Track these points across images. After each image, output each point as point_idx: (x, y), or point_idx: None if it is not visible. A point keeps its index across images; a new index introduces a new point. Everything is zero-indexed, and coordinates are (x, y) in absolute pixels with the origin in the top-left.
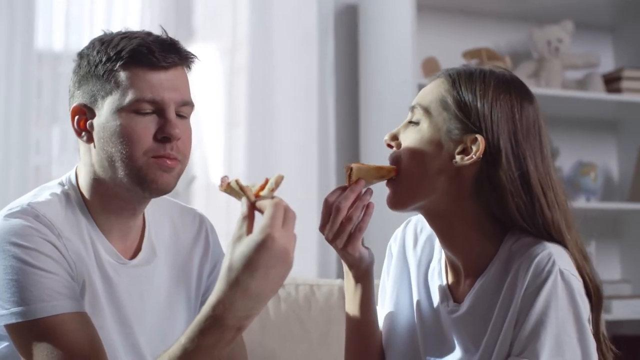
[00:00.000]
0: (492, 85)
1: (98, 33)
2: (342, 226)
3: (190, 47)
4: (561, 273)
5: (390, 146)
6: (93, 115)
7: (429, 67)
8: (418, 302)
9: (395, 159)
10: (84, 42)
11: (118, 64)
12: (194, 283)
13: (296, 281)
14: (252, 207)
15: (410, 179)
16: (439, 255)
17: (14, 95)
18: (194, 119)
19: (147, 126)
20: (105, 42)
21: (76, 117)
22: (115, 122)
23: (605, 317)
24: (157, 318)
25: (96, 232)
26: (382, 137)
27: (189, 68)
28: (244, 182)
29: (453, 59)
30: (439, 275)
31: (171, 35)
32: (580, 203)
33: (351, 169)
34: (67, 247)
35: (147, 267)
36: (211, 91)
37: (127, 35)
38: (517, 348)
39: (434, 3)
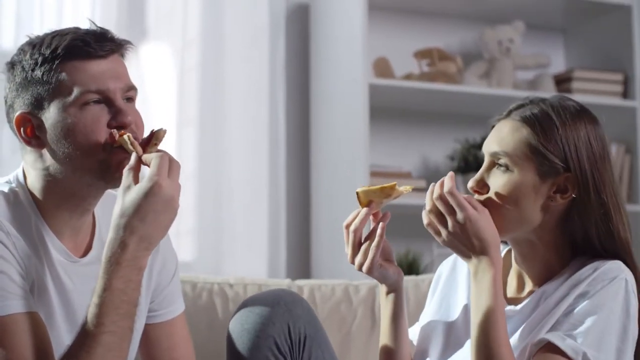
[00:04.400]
0: (569, 119)
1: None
2: (358, 248)
3: (143, 47)
4: (626, 282)
5: (478, 192)
6: (39, 121)
7: (380, 67)
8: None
9: (487, 204)
10: None
11: (56, 63)
12: (144, 280)
13: (244, 281)
14: (139, 161)
15: (508, 223)
16: None
17: None
18: (146, 117)
19: (97, 116)
20: (36, 45)
21: (22, 127)
22: (66, 121)
23: None
24: None
25: (46, 230)
26: (333, 136)
27: (123, 56)
28: None
29: (404, 59)
30: None
31: (124, 34)
32: None
33: (357, 193)
34: (16, 245)
35: (98, 265)
36: (163, 90)
37: (57, 33)
38: (561, 325)
39: (385, 3)
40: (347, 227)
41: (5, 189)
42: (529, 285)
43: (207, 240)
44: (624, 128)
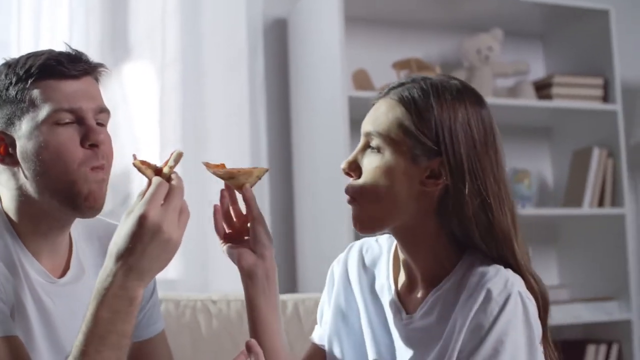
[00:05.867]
0: (448, 100)
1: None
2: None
3: (126, 66)
4: (520, 295)
5: (349, 175)
6: (12, 139)
7: (359, 79)
8: (368, 319)
9: (359, 190)
10: None
11: (29, 82)
12: None
13: (228, 297)
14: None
15: (380, 208)
16: (386, 272)
17: None
18: (129, 136)
19: (70, 136)
20: (11, 65)
21: None
22: (37, 139)
23: None
24: None
25: (24, 252)
26: (314, 149)
27: (98, 80)
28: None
29: (383, 70)
30: (388, 291)
31: (109, 54)
32: None
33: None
34: None
35: (76, 285)
36: (145, 109)
37: (32, 54)
38: None
39: (362, 14)
40: None
41: None
42: (420, 282)
43: (193, 258)
44: (605, 132)
